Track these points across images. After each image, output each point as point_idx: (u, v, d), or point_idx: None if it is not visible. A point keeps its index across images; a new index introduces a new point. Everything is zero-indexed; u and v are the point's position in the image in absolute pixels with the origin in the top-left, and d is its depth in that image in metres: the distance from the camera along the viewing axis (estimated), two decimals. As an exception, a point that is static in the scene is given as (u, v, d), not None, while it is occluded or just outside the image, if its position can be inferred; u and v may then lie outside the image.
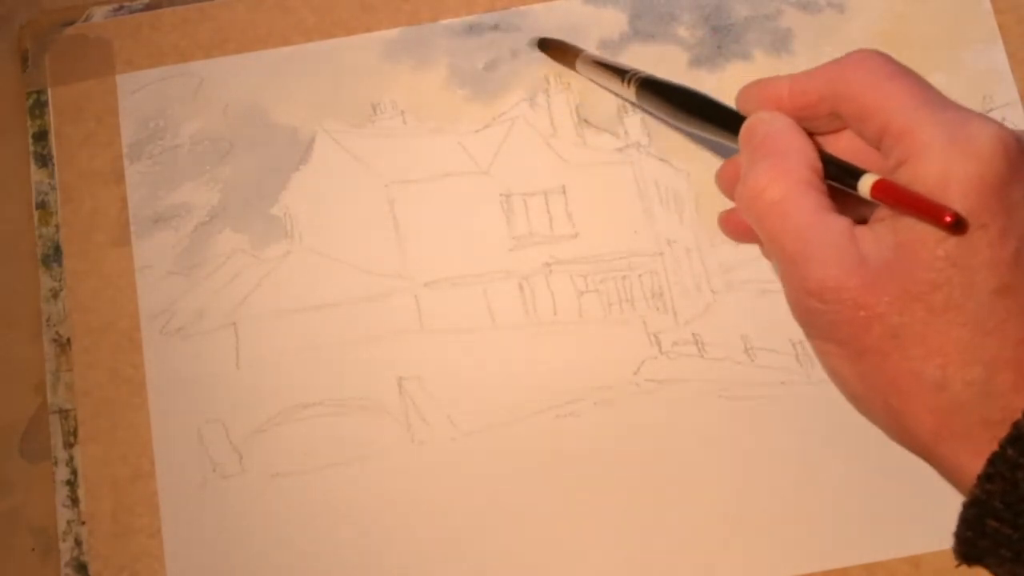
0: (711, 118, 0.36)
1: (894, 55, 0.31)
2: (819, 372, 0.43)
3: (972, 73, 0.46)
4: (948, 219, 0.26)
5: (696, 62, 0.47)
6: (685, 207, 0.46)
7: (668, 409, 0.43)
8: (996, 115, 0.45)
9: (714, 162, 0.46)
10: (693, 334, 0.44)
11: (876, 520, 0.42)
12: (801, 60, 0.46)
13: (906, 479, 0.42)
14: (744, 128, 0.33)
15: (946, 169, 0.27)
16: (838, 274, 0.28)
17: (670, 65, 0.47)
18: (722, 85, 0.46)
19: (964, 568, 0.41)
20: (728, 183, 0.35)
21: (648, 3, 0.48)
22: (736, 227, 0.36)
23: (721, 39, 0.47)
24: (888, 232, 0.29)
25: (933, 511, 0.42)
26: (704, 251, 0.45)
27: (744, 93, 0.34)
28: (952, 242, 0.27)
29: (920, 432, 0.29)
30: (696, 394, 0.43)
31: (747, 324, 0.44)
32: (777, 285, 0.45)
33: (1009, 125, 0.34)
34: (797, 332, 0.44)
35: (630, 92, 0.42)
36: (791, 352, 0.44)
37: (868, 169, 0.30)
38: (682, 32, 0.47)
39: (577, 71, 0.46)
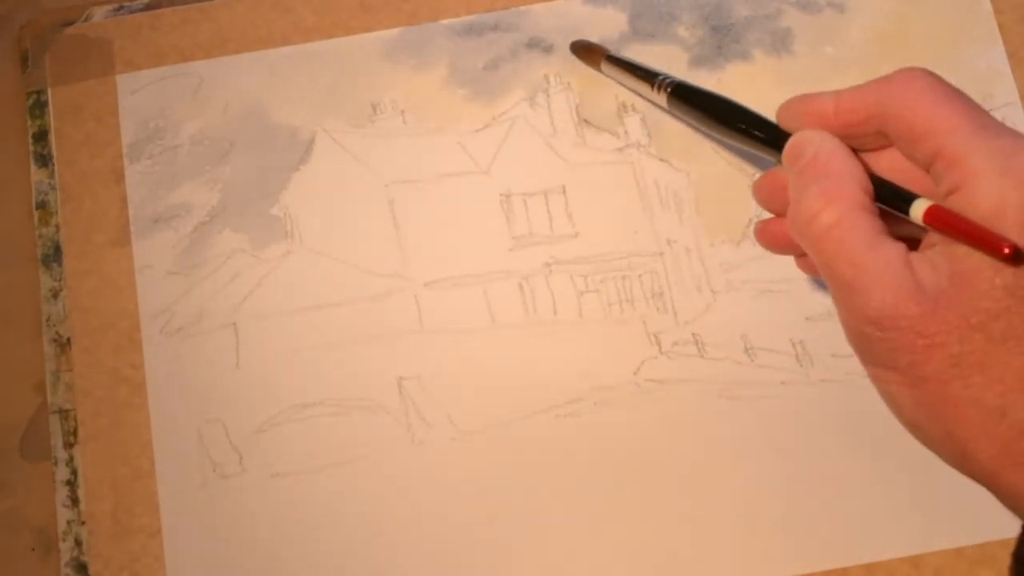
0: (749, 131, 0.35)
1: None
2: (819, 372, 0.43)
3: (972, 73, 0.45)
4: (1007, 251, 0.26)
5: (696, 62, 0.47)
6: (685, 207, 0.46)
7: (668, 409, 0.43)
8: (996, 115, 0.45)
9: (714, 162, 0.46)
10: (693, 334, 0.44)
11: (876, 520, 0.42)
12: (801, 60, 0.46)
13: (906, 479, 0.42)
14: (790, 146, 0.32)
15: (1001, 199, 0.27)
16: (896, 301, 0.28)
17: (670, 65, 0.47)
18: (722, 85, 0.46)
19: (965, 569, 0.41)
20: (765, 194, 0.35)
21: (648, 3, 0.48)
22: (773, 238, 0.35)
23: (721, 39, 0.47)
24: (943, 259, 0.28)
25: (933, 511, 0.42)
26: (704, 251, 0.45)
27: (787, 108, 0.34)
28: (1010, 272, 0.27)
29: (981, 459, 0.28)
30: (696, 394, 0.43)
31: (747, 324, 0.44)
32: (777, 285, 0.45)
33: (1009, 125, 0.34)
34: (797, 332, 0.44)
35: (660, 98, 0.41)
36: (791, 352, 0.44)
37: (918, 193, 0.29)
38: (682, 32, 0.47)
39: (603, 72, 0.46)
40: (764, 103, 0.36)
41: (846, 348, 0.43)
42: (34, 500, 0.44)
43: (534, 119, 0.47)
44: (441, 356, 0.44)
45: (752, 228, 0.45)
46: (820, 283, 0.44)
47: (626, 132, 0.46)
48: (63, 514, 0.44)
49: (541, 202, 0.46)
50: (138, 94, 0.48)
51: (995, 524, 0.41)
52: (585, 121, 0.47)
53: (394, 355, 0.44)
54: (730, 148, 0.46)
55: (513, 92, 0.47)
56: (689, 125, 0.44)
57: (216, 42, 0.48)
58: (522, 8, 0.48)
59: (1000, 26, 0.46)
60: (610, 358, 0.44)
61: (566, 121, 0.47)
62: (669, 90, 0.41)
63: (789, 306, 0.44)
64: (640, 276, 0.45)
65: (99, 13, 0.49)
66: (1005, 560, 0.40)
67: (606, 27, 0.47)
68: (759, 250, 0.45)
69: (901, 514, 0.42)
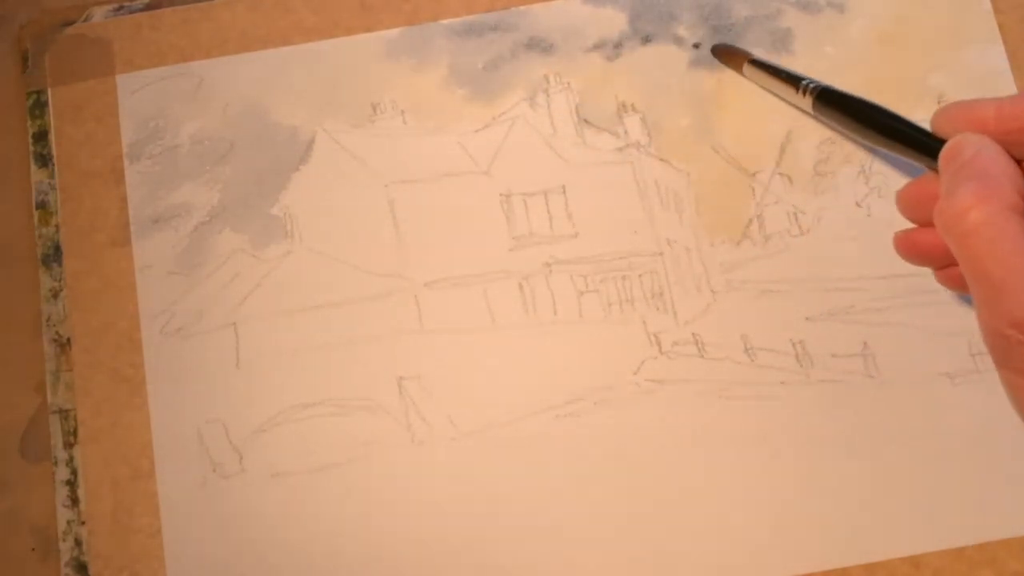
0: (900, 137, 0.35)
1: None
2: (819, 372, 0.43)
3: (972, 73, 0.46)
4: None
5: (696, 62, 0.47)
6: (685, 207, 0.46)
7: (668, 409, 0.43)
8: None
9: (714, 162, 0.46)
10: (693, 334, 0.44)
11: (876, 520, 0.42)
12: (801, 60, 0.46)
13: (906, 479, 0.42)
14: (948, 147, 0.32)
15: None
16: None
17: (670, 65, 0.47)
18: (722, 86, 0.46)
19: (965, 569, 0.41)
20: (911, 203, 0.34)
21: (648, 3, 0.48)
22: (915, 248, 0.35)
23: (721, 39, 0.47)
24: None
25: (934, 511, 0.42)
26: (704, 251, 0.45)
27: (944, 114, 0.34)
28: None
29: None
30: (696, 394, 0.43)
31: (747, 324, 0.44)
32: (777, 285, 0.45)
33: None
34: (797, 332, 0.44)
35: (805, 102, 0.41)
36: (791, 352, 0.44)
37: None
38: (682, 32, 0.47)
39: (744, 76, 0.46)
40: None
41: (846, 348, 0.44)
42: (34, 500, 0.44)
43: (534, 119, 0.47)
44: (441, 356, 0.44)
45: (750, 227, 0.45)
46: (820, 283, 0.44)
47: (626, 132, 0.46)
48: (63, 514, 0.44)
49: (541, 202, 0.46)
50: (138, 94, 0.48)
51: (995, 524, 0.41)
52: (585, 121, 0.47)
53: (394, 355, 0.44)
54: (731, 149, 0.46)
55: (513, 92, 0.47)
56: (835, 130, 0.44)
57: (216, 42, 0.48)
58: (522, 8, 0.48)
59: (1000, 26, 0.46)
60: (610, 358, 0.44)
61: (566, 121, 0.47)
62: (815, 95, 0.41)
63: (789, 306, 0.44)
64: (640, 276, 0.45)
65: (99, 13, 0.49)
66: (1005, 560, 0.40)
67: (606, 27, 0.47)
68: (759, 250, 0.45)
69: (901, 514, 0.42)
